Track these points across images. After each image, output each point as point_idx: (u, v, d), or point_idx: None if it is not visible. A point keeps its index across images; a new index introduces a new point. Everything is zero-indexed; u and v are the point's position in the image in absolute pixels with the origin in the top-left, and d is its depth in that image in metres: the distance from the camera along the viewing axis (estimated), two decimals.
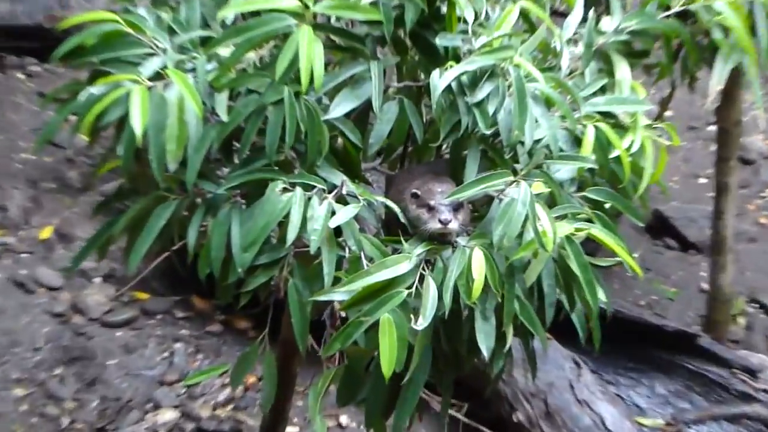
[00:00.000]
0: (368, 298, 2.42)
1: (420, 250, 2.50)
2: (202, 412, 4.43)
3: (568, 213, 2.54)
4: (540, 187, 2.50)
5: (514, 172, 2.51)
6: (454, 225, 2.54)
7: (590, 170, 2.65)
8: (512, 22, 2.68)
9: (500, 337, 2.54)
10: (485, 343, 2.49)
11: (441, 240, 2.54)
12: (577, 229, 2.50)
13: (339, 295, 2.45)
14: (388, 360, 2.37)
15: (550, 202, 2.55)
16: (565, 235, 2.49)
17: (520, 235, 2.44)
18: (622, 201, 2.65)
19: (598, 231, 2.52)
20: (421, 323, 2.38)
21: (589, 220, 2.55)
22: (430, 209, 2.56)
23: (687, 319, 4.97)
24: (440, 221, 2.52)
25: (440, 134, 2.58)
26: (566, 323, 2.66)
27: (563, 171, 2.63)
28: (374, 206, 2.61)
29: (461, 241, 2.52)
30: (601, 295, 2.58)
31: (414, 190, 2.60)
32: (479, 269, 2.41)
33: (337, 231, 2.50)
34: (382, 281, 2.42)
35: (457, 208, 2.56)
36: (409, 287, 2.43)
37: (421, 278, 2.45)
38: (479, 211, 2.68)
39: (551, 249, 2.42)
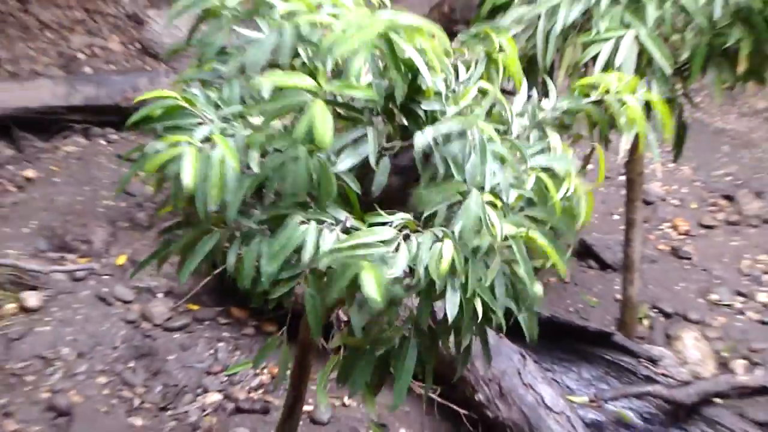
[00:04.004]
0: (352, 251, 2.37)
1: (398, 219, 2.45)
2: (239, 395, 4.40)
3: (513, 222, 2.50)
4: (488, 197, 2.46)
5: None
6: None
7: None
8: (472, 95, 2.68)
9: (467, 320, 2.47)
10: (451, 311, 2.40)
11: None
12: (519, 232, 2.46)
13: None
14: (374, 285, 2.26)
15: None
16: (510, 235, 2.44)
17: (479, 232, 2.41)
18: (554, 218, 2.59)
19: (536, 234, 2.47)
20: (393, 272, 2.32)
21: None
22: None
23: (605, 321, 4.96)
24: None
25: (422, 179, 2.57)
26: (514, 328, 2.62)
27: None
28: None
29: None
30: (538, 289, 2.53)
31: None
32: (448, 251, 2.35)
33: None
34: (368, 242, 2.37)
35: None
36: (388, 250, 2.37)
37: (398, 247, 2.39)
38: None
39: (500, 238, 2.39)
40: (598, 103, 2.85)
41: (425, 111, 2.63)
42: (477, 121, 2.55)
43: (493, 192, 2.50)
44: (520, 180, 2.60)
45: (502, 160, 2.56)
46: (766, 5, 3.63)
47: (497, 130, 2.65)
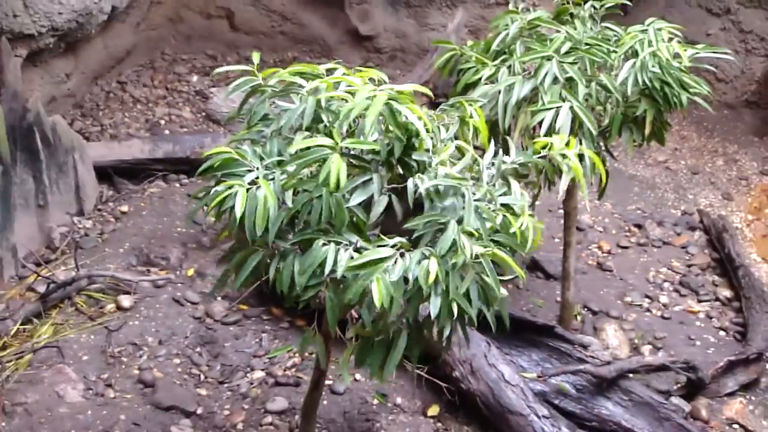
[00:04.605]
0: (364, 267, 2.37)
1: (394, 242, 2.43)
2: (278, 372, 4.32)
3: (482, 245, 2.48)
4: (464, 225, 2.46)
5: None
6: None
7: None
8: (451, 151, 2.67)
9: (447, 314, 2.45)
10: (434, 309, 2.40)
11: None
12: (486, 251, 2.46)
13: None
14: (380, 295, 2.30)
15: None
16: (480, 254, 2.44)
17: (455, 252, 2.40)
18: (513, 243, 2.59)
19: (500, 252, 2.48)
20: (391, 277, 2.34)
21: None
22: None
23: (549, 317, 4.90)
24: None
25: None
26: (483, 324, 2.62)
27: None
28: None
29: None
30: (503, 292, 2.55)
31: None
32: (434, 267, 2.35)
33: None
34: (373, 259, 2.37)
35: None
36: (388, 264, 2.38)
37: (395, 261, 2.40)
38: None
39: (470, 256, 2.38)
40: (545, 157, 2.88)
41: (416, 161, 2.62)
42: (467, 183, 2.53)
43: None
44: (491, 217, 2.59)
45: (477, 208, 2.56)
46: (663, 85, 3.73)
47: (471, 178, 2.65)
